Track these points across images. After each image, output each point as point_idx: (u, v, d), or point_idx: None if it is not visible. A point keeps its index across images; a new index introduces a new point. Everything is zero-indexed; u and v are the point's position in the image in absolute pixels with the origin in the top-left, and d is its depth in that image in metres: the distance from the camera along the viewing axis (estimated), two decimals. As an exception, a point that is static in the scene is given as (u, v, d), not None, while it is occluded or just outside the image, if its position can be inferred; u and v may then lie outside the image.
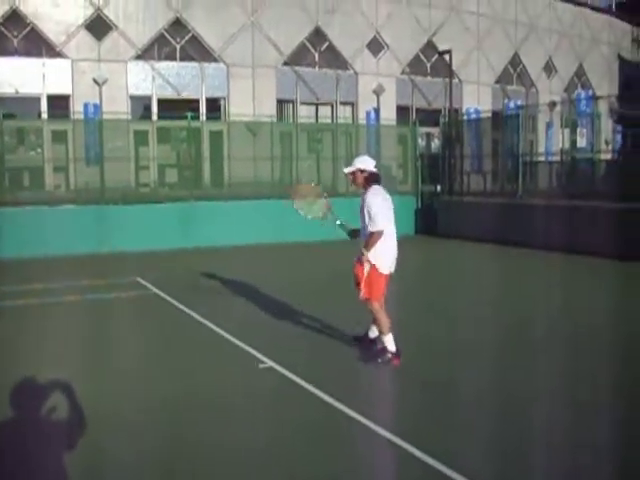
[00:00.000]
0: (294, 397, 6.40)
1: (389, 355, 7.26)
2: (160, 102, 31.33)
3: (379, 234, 7.14)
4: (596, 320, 9.63)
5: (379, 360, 7.29)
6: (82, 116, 26.71)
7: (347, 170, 7.46)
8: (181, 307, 10.41)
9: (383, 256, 7.24)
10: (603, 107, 30.59)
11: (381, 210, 7.18)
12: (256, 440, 5.41)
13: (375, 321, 7.42)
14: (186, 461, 5.00)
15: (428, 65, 38.06)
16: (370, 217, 7.15)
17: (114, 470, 4.95)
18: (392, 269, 7.41)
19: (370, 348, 7.64)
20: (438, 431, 5.54)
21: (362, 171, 7.33)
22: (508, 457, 5.05)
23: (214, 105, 32.41)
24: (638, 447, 5.18)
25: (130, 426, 5.78)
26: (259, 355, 7.62)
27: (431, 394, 6.48)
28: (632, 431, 5.49)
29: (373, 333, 7.63)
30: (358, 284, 7.30)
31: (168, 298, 11.10)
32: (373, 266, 7.21)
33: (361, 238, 7.42)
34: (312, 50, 34.67)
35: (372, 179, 7.36)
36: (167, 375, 7.17)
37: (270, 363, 7.33)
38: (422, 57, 37.82)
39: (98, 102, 29.01)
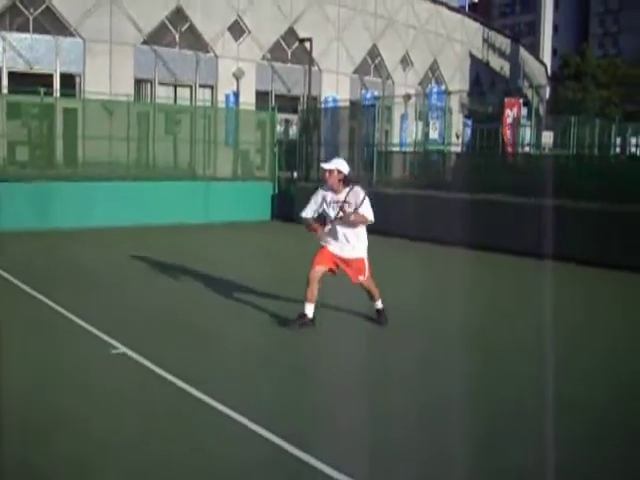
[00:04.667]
0: (143, 382, 6.31)
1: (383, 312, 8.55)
2: (11, 75, 29.94)
3: (370, 221, 8.13)
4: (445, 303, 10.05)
5: (383, 319, 8.49)
6: None
7: (327, 166, 8.04)
8: (30, 291, 9.99)
9: (366, 245, 8.35)
10: (455, 102, 31.77)
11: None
12: (100, 427, 5.30)
13: (370, 292, 8.47)
14: (32, 454, 4.85)
15: (289, 52, 38.26)
16: (365, 208, 8.01)
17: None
18: None
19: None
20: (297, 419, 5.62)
21: (339, 172, 7.98)
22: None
23: (69, 81, 31.29)
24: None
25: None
26: (112, 341, 7.44)
27: (296, 382, 6.56)
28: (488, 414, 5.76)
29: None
30: (358, 274, 8.29)
31: (16, 282, 10.62)
32: (366, 258, 8.34)
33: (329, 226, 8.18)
34: (172, 30, 34.10)
35: (345, 181, 8.05)
36: (5, 362, 6.89)
37: (123, 349, 7.17)
38: (283, 44, 37.97)
39: (-58, 72, 27.42)
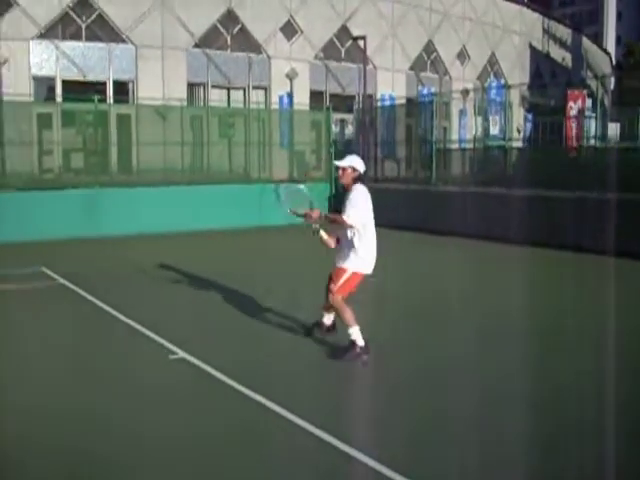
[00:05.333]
0: (204, 389, 6.39)
1: (358, 350, 7.23)
2: (65, 84, 30.52)
3: (348, 225, 7.31)
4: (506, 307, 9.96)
5: (347, 356, 7.24)
6: (-19, 97, 25.82)
7: (340, 164, 7.48)
8: (90, 298, 10.20)
9: (364, 258, 7.38)
10: (515, 95, 31.35)
11: (361, 209, 7.34)
12: (161, 436, 5.38)
13: (338, 313, 7.45)
14: (96, 455, 4.95)
15: (342, 50, 38.23)
16: (346, 210, 7.31)
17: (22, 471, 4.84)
18: (370, 270, 7.48)
19: (329, 333, 7.89)
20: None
21: (354, 170, 7.44)
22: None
23: (122, 88, 31.78)
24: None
25: (32, 425, 5.63)
26: (171, 346, 7.55)
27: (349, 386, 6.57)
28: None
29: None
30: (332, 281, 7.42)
31: (76, 288, 10.86)
32: (354, 272, 7.38)
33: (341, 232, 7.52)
34: (224, 33, 34.38)
35: (358, 179, 7.48)
36: (70, 370, 7.04)
37: (182, 354, 7.27)
38: (336, 42, 37.96)
39: (-2, 83, 28.12)
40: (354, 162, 7.48)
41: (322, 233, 7.47)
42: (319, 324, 7.97)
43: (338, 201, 7.47)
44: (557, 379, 6.63)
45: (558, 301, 10.38)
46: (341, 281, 7.33)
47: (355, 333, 7.24)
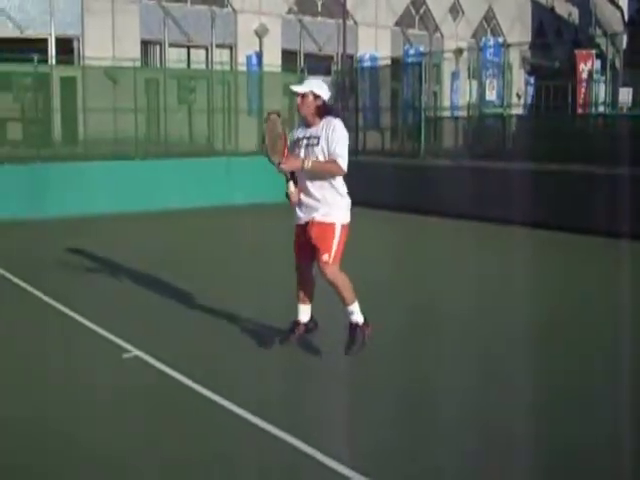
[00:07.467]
0: (161, 388, 6.43)
1: (365, 329, 6.73)
2: (-1, 42, 30.22)
3: (342, 172, 6.50)
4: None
5: (358, 345, 6.70)
6: None
7: (299, 89, 6.59)
8: (29, 288, 10.16)
9: (348, 207, 6.69)
10: (515, 56, 31.47)
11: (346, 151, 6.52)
12: (112, 439, 5.41)
13: (337, 290, 6.60)
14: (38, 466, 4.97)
15: (319, 4, 38.12)
16: (336, 150, 6.41)
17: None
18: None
19: (311, 332, 7.19)
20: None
21: (316, 97, 6.55)
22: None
23: (66, 46, 31.46)
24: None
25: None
26: (124, 343, 7.57)
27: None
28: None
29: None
30: (320, 248, 6.50)
31: (13, 278, 10.81)
32: (343, 224, 6.60)
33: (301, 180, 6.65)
34: (183, -17, 34.16)
35: (325, 111, 6.62)
36: (10, 371, 7.03)
37: (136, 352, 7.29)
38: (312, -6, 37.87)
39: None
40: (314, 86, 6.63)
41: (291, 185, 6.64)
42: (295, 325, 7.12)
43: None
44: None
45: (570, 295, 10.49)
46: (334, 243, 6.49)
47: (356, 310, 6.68)
